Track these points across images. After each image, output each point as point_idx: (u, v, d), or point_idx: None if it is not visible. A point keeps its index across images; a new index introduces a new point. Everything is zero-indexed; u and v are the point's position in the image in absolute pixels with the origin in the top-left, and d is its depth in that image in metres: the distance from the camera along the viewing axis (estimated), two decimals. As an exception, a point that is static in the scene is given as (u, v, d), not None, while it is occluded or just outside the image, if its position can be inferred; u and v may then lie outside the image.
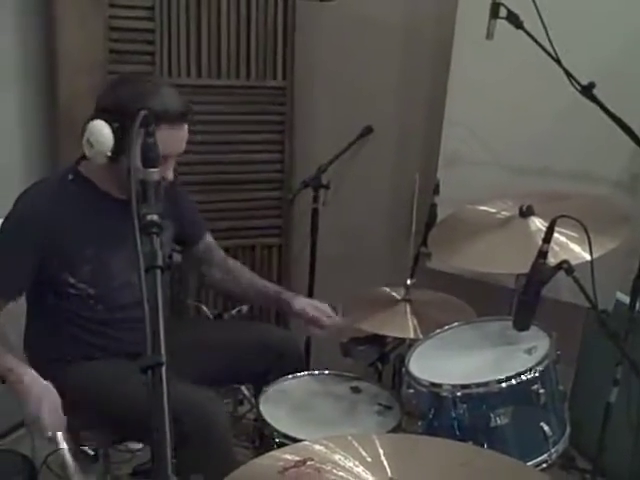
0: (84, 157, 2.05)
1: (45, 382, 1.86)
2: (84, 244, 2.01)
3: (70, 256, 2.00)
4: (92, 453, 2.74)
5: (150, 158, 1.22)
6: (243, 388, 2.95)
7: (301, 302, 2.31)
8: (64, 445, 1.78)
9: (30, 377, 1.87)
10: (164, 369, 0.93)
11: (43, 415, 1.79)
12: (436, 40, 2.99)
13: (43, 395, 1.83)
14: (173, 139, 1.96)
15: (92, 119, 1.90)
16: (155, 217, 1.13)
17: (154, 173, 1.22)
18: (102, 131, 1.87)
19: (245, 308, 3.13)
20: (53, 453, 2.84)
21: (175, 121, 1.95)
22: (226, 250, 3.37)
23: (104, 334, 2.10)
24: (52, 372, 1.91)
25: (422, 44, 3.07)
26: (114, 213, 1.98)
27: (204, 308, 3.13)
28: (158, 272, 1.04)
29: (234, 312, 3.10)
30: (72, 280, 2.01)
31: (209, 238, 2.43)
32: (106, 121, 1.88)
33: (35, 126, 2.97)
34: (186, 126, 2.01)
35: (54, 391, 1.85)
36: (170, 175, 2.01)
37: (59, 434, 1.78)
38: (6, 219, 2.03)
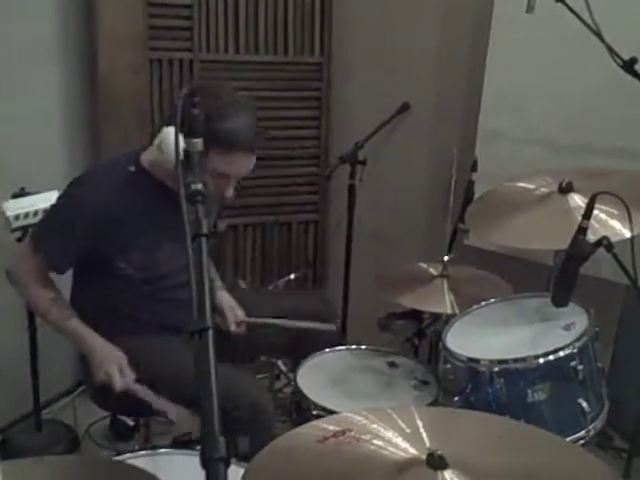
0: (146, 147, 2.08)
1: (112, 345, 1.97)
2: (139, 234, 2.04)
3: (124, 244, 2.03)
4: (132, 424, 2.82)
5: (194, 128, 1.24)
6: (280, 363, 2.98)
7: (222, 297, 2.33)
8: (141, 390, 1.91)
9: (99, 340, 1.98)
10: (210, 333, 0.95)
11: (114, 371, 1.91)
12: (475, 15, 2.95)
13: (112, 354, 1.95)
14: (241, 164, 1.99)
15: (167, 123, 1.89)
16: (200, 186, 1.14)
17: (197, 143, 1.23)
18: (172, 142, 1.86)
19: (282, 283, 3.16)
20: (95, 423, 2.94)
21: (247, 149, 1.97)
22: (262, 226, 3.42)
23: (150, 311, 2.13)
24: None
25: (461, 19, 3.03)
26: (169, 205, 1.98)
27: (241, 282, 3.17)
28: (203, 240, 1.06)
29: (271, 287, 3.14)
30: (122, 264, 2.05)
31: None
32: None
33: (75, 101, 2.99)
34: (255, 155, 2.02)
35: (120, 351, 1.96)
36: (230, 193, 2.04)
37: (132, 384, 1.91)
38: (68, 196, 2.06)
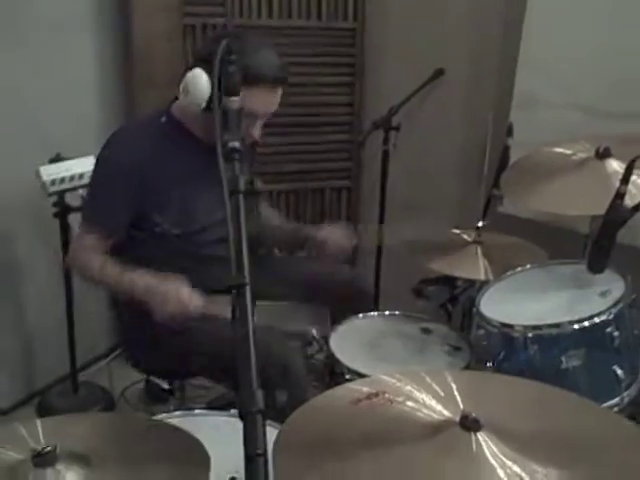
0: (175, 99, 2.08)
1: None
2: (172, 185, 2.04)
3: (159, 196, 2.04)
4: (167, 387, 2.85)
5: (231, 86, 1.24)
6: (313, 329, 2.99)
7: (325, 232, 2.39)
8: (218, 307, 1.85)
9: (151, 279, 1.96)
10: (248, 290, 0.95)
11: (188, 296, 1.90)
12: (512, -22, 2.91)
13: (170, 286, 1.92)
14: (267, 100, 1.98)
15: (189, 68, 1.89)
16: (236, 144, 1.15)
17: (235, 101, 1.23)
18: (200, 80, 1.85)
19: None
20: (130, 386, 2.99)
21: (271, 83, 1.95)
22: (295, 193, 3.42)
23: (189, 270, 2.13)
24: (139, 306, 1.97)
25: (497, -18, 2.99)
26: (202, 157, 2.00)
27: (275, 249, 3.17)
28: (240, 196, 1.06)
29: (303, 254, 3.14)
30: (159, 219, 2.06)
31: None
32: (205, 70, 1.86)
33: (110, 68, 3.02)
34: (281, 90, 2.00)
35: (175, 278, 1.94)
36: (257, 134, 2.03)
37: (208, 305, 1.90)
38: (103, 160, 2.08)
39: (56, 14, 2.70)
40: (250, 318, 0.94)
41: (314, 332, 2.92)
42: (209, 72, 1.84)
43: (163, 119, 2.09)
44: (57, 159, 2.56)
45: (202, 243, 2.12)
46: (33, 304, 2.87)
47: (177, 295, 1.90)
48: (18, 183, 2.62)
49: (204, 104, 1.86)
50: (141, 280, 1.97)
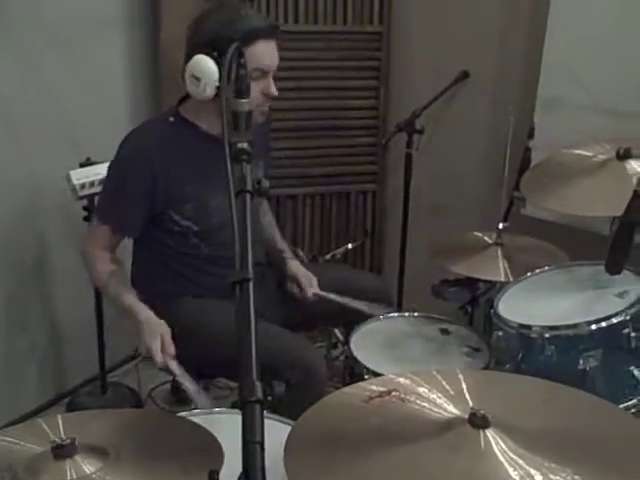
0: (182, 101, 2.13)
1: (159, 320, 1.97)
2: (185, 182, 2.09)
3: (173, 193, 2.08)
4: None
5: (241, 89, 1.27)
6: (337, 331, 3.01)
7: (295, 266, 2.38)
8: (178, 371, 1.89)
9: (145, 314, 1.98)
10: (251, 285, 0.98)
11: (155, 347, 1.89)
12: (536, -19, 2.91)
13: (156, 329, 1.93)
14: (268, 52, 2.03)
15: (188, 58, 1.96)
16: (245, 145, 1.18)
17: (245, 104, 1.27)
18: (205, 63, 1.92)
19: (340, 253, 3.19)
20: (157, 387, 3.03)
21: (267, 35, 2.01)
22: (321, 196, 3.45)
23: (208, 272, 2.18)
24: (158, 309, 2.02)
25: (522, -15, 2.99)
26: (213, 152, 2.04)
27: (299, 252, 3.20)
28: (247, 196, 1.09)
29: (328, 256, 3.16)
30: (176, 217, 2.10)
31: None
32: (205, 54, 1.93)
33: (139, 71, 3.07)
34: (276, 41, 2.06)
35: (166, 326, 1.95)
36: (274, 91, 2.06)
37: (171, 362, 1.89)
38: (114, 161, 2.14)
39: (85, 17, 2.75)
40: (252, 311, 0.96)
41: (338, 334, 2.95)
42: (209, 54, 1.92)
43: (171, 119, 2.14)
44: (87, 163, 2.61)
45: (220, 243, 2.15)
46: (63, 306, 2.92)
47: (149, 343, 1.91)
48: (49, 187, 2.68)
49: (217, 83, 1.92)
50: (133, 309, 2.01)
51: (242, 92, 1.27)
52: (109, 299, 2.19)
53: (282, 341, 2.02)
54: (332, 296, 2.29)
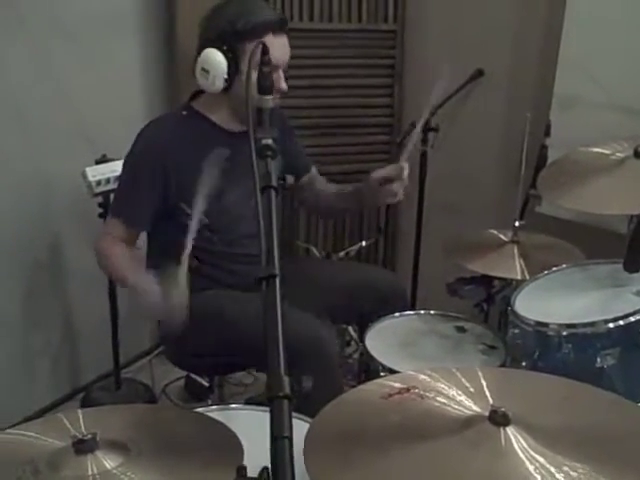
0: (194, 96, 2.16)
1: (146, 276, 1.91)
2: (197, 175, 2.07)
3: (186, 187, 2.05)
4: (207, 384, 2.91)
5: (265, 86, 1.28)
6: (350, 329, 3.02)
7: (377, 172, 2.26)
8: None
9: (135, 277, 1.96)
10: (277, 281, 0.98)
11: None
12: (552, -22, 2.90)
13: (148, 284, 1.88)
14: (279, 47, 2.04)
15: (199, 53, 2.00)
16: (270, 141, 1.19)
17: (269, 100, 1.27)
18: (214, 56, 1.97)
19: (354, 250, 3.19)
20: (171, 383, 3.05)
21: (277, 29, 2.03)
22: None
23: (221, 267, 2.19)
24: None
25: (537, -17, 2.98)
26: (226, 145, 2.06)
27: (313, 249, 3.21)
28: (272, 192, 1.09)
29: (342, 254, 3.17)
30: (189, 211, 2.09)
31: (314, 171, 2.49)
32: (215, 47, 1.98)
33: (155, 69, 3.08)
34: (286, 35, 2.08)
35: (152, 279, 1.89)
36: (284, 86, 2.08)
37: None
38: (128, 156, 2.16)
39: (101, 15, 2.77)
40: (279, 306, 0.96)
41: (352, 332, 2.95)
42: (219, 47, 1.97)
43: (184, 112, 2.16)
44: (103, 160, 2.62)
45: (234, 237, 2.16)
46: (78, 302, 2.94)
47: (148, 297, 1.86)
48: (65, 184, 2.69)
49: (225, 75, 1.97)
50: (133, 276, 1.98)
51: (266, 89, 1.28)
52: (112, 276, 2.20)
53: (290, 318, 2.00)
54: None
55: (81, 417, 1.37)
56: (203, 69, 1.99)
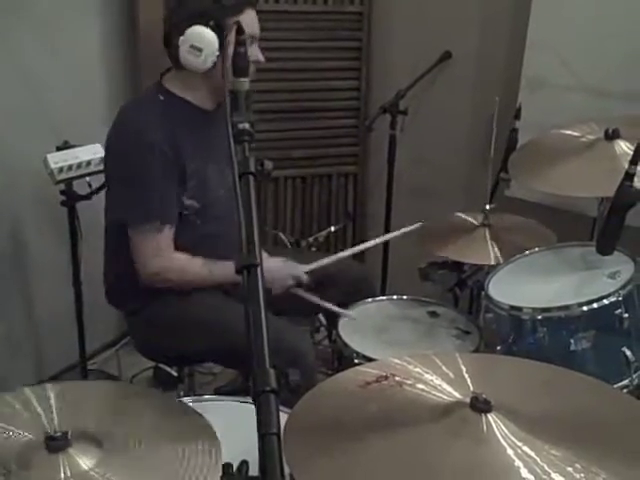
0: (163, 75, 2.09)
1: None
2: (188, 159, 2.01)
3: (182, 173, 2.01)
4: (175, 374, 2.87)
5: (241, 67, 1.24)
6: (320, 315, 2.99)
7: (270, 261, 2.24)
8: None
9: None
10: (259, 270, 0.95)
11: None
12: (519, -41, 2.88)
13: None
14: (253, 21, 2.02)
15: (180, 30, 1.91)
16: (247, 125, 1.15)
17: (245, 83, 1.24)
18: (204, 33, 1.89)
19: (322, 236, 3.16)
20: (138, 374, 3.00)
21: (255, 2, 2.02)
22: (302, 178, 3.42)
23: (201, 252, 2.09)
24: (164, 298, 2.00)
25: (504, -36, 2.96)
26: (204, 125, 2.01)
27: (282, 235, 3.17)
28: (251, 178, 1.06)
29: (311, 239, 3.14)
30: (182, 197, 2.02)
31: None
32: (202, 25, 1.90)
33: (117, 53, 3.01)
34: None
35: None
36: (262, 57, 2.05)
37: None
38: (123, 155, 2.03)
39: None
40: (262, 298, 0.93)
41: (322, 318, 2.93)
42: (205, 24, 1.90)
43: (161, 97, 2.06)
44: (65, 146, 2.55)
45: (212, 217, 2.09)
46: (42, 292, 2.87)
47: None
48: (26, 171, 2.62)
49: (217, 52, 1.90)
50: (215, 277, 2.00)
51: (242, 70, 1.24)
52: (195, 284, 2.07)
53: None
54: (305, 295, 2.21)
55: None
56: (194, 47, 1.89)
